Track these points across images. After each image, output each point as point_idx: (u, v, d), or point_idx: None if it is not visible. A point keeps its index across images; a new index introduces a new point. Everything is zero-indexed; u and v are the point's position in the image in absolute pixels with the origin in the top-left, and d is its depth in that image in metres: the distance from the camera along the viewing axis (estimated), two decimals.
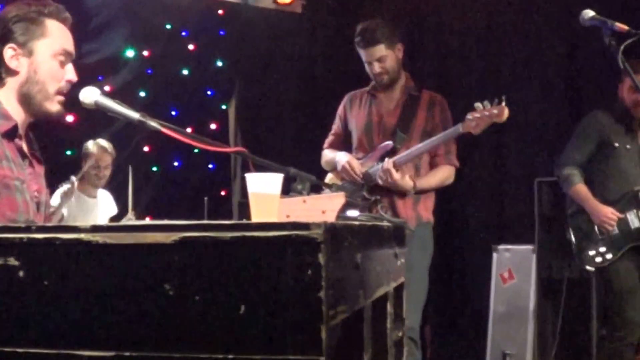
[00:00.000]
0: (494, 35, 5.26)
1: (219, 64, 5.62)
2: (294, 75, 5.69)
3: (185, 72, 5.46)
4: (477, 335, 4.92)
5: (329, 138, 3.94)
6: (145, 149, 5.20)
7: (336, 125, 3.91)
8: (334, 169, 3.82)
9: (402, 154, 3.52)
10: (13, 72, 1.99)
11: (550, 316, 4.69)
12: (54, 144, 4.33)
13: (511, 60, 5.20)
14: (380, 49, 3.59)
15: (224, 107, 5.68)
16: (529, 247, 4.77)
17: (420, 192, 3.60)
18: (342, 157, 3.71)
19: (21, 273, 1.29)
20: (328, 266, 1.16)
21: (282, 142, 5.52)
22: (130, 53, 5.17)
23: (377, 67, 3.62)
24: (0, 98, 1.99)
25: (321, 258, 1.14)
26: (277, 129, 5.62)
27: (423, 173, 3.65)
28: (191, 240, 1.22)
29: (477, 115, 3.30)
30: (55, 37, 2.02)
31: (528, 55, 5.10)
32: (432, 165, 3.68)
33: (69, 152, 4.77)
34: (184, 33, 5.42)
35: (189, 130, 4.90)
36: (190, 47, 5.46)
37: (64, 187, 4.15)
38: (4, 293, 1.29)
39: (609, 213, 3.72)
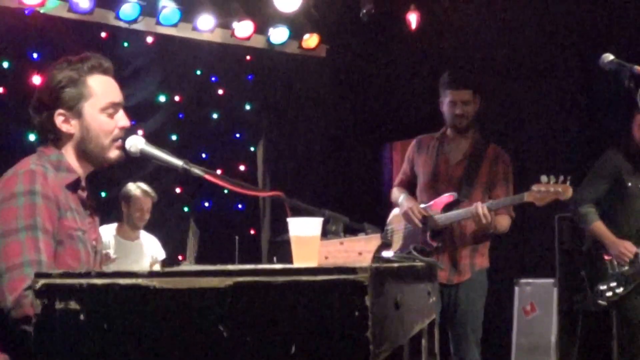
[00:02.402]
0: (513, 73, 5.36)
1: (247, 107, 5.76)
2: (320, 117, 5.81)
3: (215, 115, 5.60)
4: None
5: (399, 177, 4.10)
6: (177, 190, 5.32)
7: (405, 166, 4.06)
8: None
9: (495, 202, 3.67)
10: (67, 135, 2.09)
11: (571, 348, 4.76)
12: (89, 186, 4.45)
13: (531, 97, 5.29)
14: (469, 94, 3.76)
15: (252, 149, 5.81)
16: (550, 280, 4.89)
17: (493, 232, 3.78)
18: (405, 202, 3.86)
19: (82, 316, 1.37)
20: (373, 307, 1.24)
21: (309, 183, 5.61)
22: (162, 98, 5.33)
23: (460, 109, 3.76)
24: (64, 152, 2.10)
25: (367, 300, 1.22)
26: (304, 170, 5.73)
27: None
28: (244, 284, 1.30)
29: (542, 188, 3.50)
30: (99, 94, 2.08)
31: (547, 93, 5.20)
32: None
33: (103, 194, 4.89)
34: (213, 78, 5.58)
35: (218, 172, 5.08)
36: (220, 91, 5.61)
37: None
38: (66, 335, 1.38)
39: (628, 245, 3.84)
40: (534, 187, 3.52)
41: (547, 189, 3.49)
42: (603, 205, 3.99)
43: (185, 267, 4.38)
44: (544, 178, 3.49)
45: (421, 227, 3.74)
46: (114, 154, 2.11)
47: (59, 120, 2.06)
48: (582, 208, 3.98)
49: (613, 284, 3.86)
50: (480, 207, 3.58)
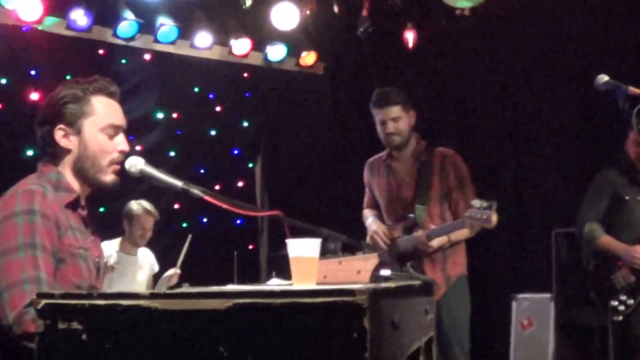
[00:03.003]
0: (510, 91, 5.42)
1: (245, 124, 5.79)
2: (318, 134, 5.84)
3: (212, 132, 5.63)
4: None
5: (365, 199, 4.11)
6: (176, 206, 5.34)
7: (367, 189, 4.09)
8: None
9: (434, 229, 3.64)
10: (66, 151, 2.12)
11: None
12: (90, 205, 4.47)
13: (528, 114, 5.34)
14: (396, 110, 3.76)
15: (250, 165, 5.84)
16: (547, 295, 4.92)
17: (450, 246, 3.73)
18: (371, 225, 3.89)
19: (84, 336, 1.40)
20: (372, 329, 1.26)
21: (307, 199, 5.63)
22: (160, 115, 5.36)
23: (391, 127, 3.76)
24: (62, 171, 2.13)
25: (366, 322, 1.24)
26: (302, 186, 5.74)
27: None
28: (244, 306, 1.32)
29: (472, 215, 3.40)
30: (101, 114, 2.12)
31: (544, 112, 5.26)
32: (457, 218, 3.78)
33: (101, 209, 4.90)
34: (211, 95, 5.61)
35: (217, 187, 5.11)
36: (217, 108, 5.64)
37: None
38: (68, 355, 1.40)
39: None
40: (467, 213, 3.44)
41: (474, 215, 3.39)
42: (604, 221, 4.03)
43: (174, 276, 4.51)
44: (475, 203, 3.39)
45: (386, 249, 3.76)
46: (110, 177, 2.13)
47: (58, 134, 2.10)
48: (585, 227, 4.03)
49: (623, 297, 3.90)
50: (422, 236, 3.61)
